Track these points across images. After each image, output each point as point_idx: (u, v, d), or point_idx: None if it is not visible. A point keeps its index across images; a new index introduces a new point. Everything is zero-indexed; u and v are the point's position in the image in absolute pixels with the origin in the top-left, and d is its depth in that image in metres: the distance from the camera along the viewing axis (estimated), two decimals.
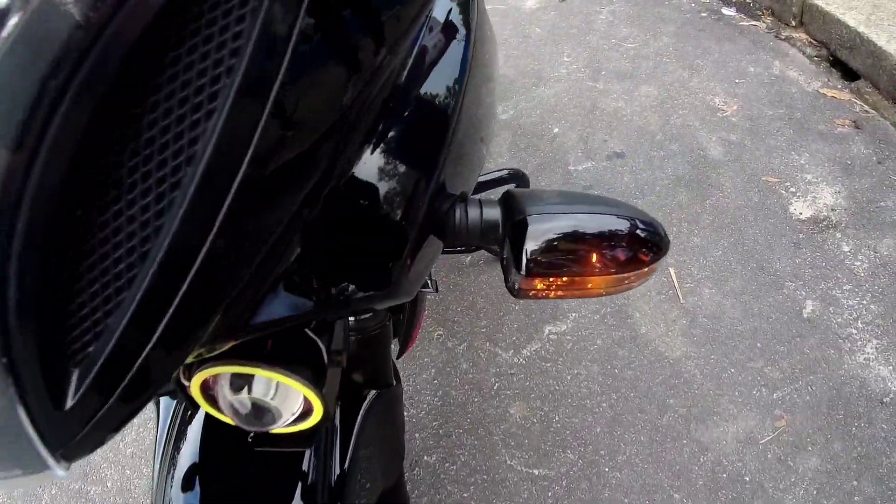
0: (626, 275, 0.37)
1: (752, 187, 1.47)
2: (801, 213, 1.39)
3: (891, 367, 1.07)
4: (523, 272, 0.36)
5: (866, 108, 1.69)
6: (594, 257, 0.36)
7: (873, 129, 1.60)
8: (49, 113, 0.19)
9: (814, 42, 1.96)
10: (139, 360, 0.22)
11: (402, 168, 0.36)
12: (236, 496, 0.47)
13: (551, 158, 1.62)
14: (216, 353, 0.33)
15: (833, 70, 1.87)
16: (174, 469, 0.46)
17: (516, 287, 0.38)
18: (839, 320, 1.16)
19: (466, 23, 0.47)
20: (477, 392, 1.12)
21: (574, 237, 0.36)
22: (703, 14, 2.27)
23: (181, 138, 0.21)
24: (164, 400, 0.56)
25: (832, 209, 1.39)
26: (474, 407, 1.10)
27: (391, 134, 0.35)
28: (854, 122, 1.65)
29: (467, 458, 1.03)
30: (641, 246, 0.37)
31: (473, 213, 0.40)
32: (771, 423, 1.02)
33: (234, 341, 0.32)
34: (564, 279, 0.37)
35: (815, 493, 0.93)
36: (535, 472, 1.00)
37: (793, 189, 1.45)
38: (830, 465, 0.96)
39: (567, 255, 0.36)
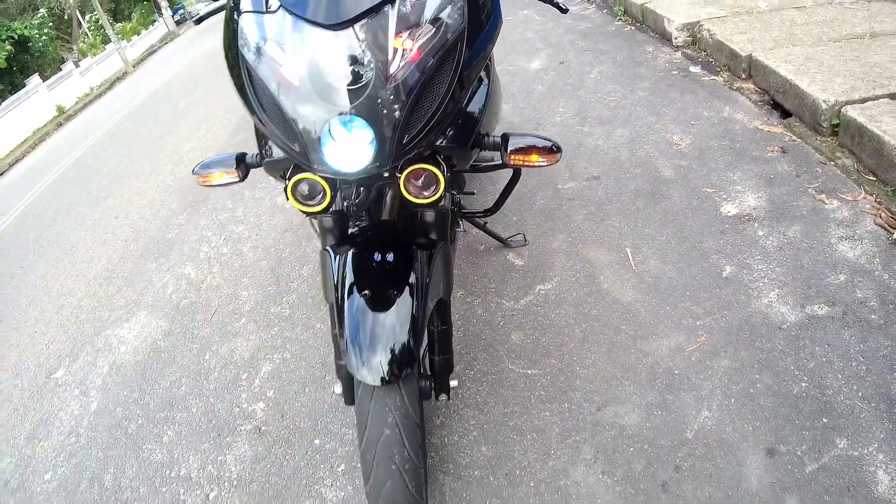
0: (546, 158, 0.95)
1: (694, 196, 1.96)
2: (728, 212, 1.86)
3: (788, 307, 1.51)
4: (508, 153, 0.94)
5: (794, 137, 2.17)
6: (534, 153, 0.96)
7: (797, 153, 2.07)
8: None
9: (758, 90, 2.48)
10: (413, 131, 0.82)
11: (472, 104, 0.96)
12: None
13: (546, 180, 2.17)
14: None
15: (773, 111, 2.38)
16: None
17: (508, 161, 0.96)
18: (750, 278, 1.61)
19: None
20: (488, 327, 1.60)
21: (524, 145, 0.96)
22: (674, 72, 2.84)
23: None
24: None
25: (754, 208, 1.86)
26: (486, 336, 1.58)
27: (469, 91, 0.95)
28: (782, 148, 2.13)
29: (481, 366, 1.51)
30: (552, 150, 0.96)
31: (491, 139, 0.99)
32: (694, 339, 1.46)
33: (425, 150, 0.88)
34: (523, 158, 0.95)
35: (726, 381, 1.36)
36: (529, 371, 1.47)
37: (725, 196, 1.93)
38: (738, 364, 1.39)
39: (518, 150, 0.96)
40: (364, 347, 0.83)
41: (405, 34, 0.79)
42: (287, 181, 0.91)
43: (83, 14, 21.04)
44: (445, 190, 0.91)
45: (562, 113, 2.68)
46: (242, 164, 1.02)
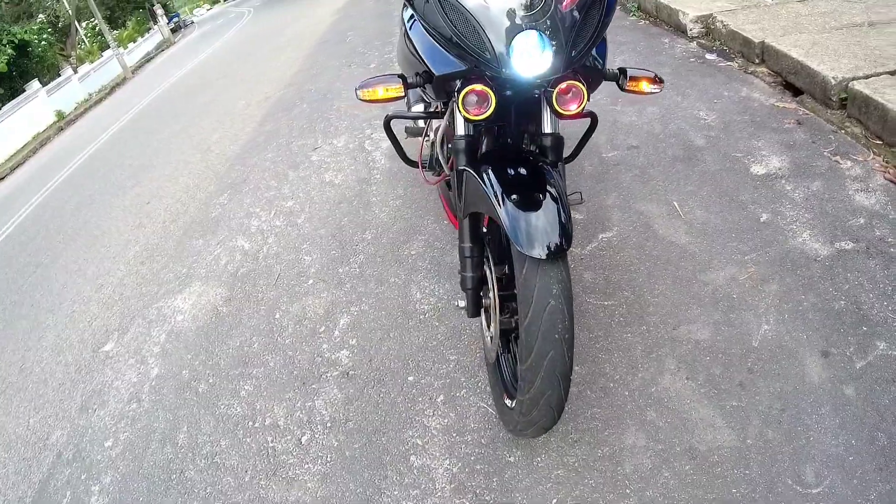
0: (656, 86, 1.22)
1: (726, 160, 2.22)
2: (758, 172, 2.12)
3: (819, 244, 1.78)
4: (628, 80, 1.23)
5: (807, 111, 2.45)
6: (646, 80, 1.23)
7: (811, 124, 2.35)
8: None
9: (771, 73, 2.75)
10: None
11: None
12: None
13: (590, 151, 2.42)
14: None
15: (785, 91, 2.65)
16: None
17: (626, 87, 1.24)
18: (784, 222, 1.87)
19: None
20: None
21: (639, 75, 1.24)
22: (692, 59, 3.11)
23: None
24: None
25: (779, 168, 2.12)
26: None
27: None
28: (797, 120, 2.39)
29: None
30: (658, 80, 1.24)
31: (612, 70, 1.29)
32: (745, 271, 1.72)
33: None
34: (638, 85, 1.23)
35: (778, 301, 1.63)
36: (606, 303, 1.70)
37: (752, 159, 2.20)
38: (785, 288, 1.64)
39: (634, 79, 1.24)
40: (529, 228, 0.96)
41: None
42: (457, 93, 1.09)
43: (79, 21, 20.93)
44: (587, 103, 1.12)
45: (596, 98, 2.91)
46: (404, 82, 1.20)
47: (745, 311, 1.60)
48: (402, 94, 1.19)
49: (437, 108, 1.70)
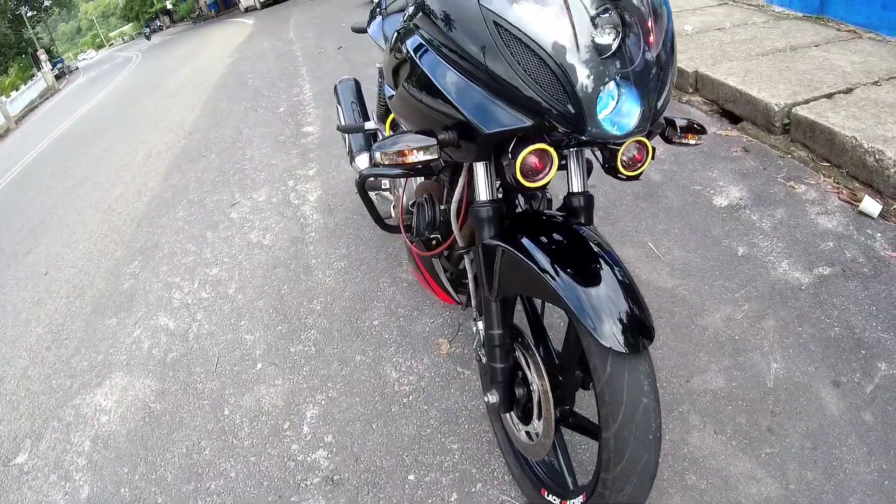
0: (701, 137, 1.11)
1: (687, 194, 2.35)
2: (721, 204, 2.26)
3: (800, 272, 1.88)
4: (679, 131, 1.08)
5: (750, 138, 2.67)
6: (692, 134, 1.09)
7: (757, 151, 2.56)
8: None
9: (707, 101, 2.98)
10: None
11: None
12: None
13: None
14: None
15: (723, 118, 2.87)
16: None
17: (674, 140, 1.11)
18: (761, 254, 1.98)
19: None
20: (549, 329, 1.76)
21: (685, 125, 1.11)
22: None
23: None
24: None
25: (740, 199, 2.28)
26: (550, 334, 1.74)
27: None
28: (744, 147, 2.60)
29: None
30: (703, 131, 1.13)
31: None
32: (739, 309, 1.77)
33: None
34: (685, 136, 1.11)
35: (778, 336, 1.68)
36: None
37: (712, 191, 2.34)
38: (781, 322, 1.73)
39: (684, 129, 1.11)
40: (608, 317, 0.85)
41: None
42: (510, 155, 0.93)
43: None
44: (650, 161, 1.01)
45: None
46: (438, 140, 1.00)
47: (751, 352, 1.65)
48: (438, 154, 1.00)
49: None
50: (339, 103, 2.59)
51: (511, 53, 0.84)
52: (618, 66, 0.83)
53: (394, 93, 1.21)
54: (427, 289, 1.65)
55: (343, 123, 2.43)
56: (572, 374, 1.08)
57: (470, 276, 1.30)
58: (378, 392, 1.75)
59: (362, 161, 2.32)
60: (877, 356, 1.58)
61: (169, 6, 36.19)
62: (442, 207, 1.30)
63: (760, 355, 1.63)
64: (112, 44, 54.69)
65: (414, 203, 1.53)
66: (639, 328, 0.86)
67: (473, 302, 1.32)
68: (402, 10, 1.97)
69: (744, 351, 1.65)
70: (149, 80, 10.97)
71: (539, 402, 1.10)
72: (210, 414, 1.85)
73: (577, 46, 0.82)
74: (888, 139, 2.09)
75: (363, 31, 2.32)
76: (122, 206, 3.99)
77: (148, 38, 25.13)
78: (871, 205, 2.08)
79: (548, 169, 0.94)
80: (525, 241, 0.97)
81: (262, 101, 5.54)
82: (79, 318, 2.66)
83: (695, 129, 1.07)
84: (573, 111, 0.84)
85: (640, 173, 0.99)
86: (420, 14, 1.07)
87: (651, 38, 0.86)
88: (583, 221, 1.04)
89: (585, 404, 1.43)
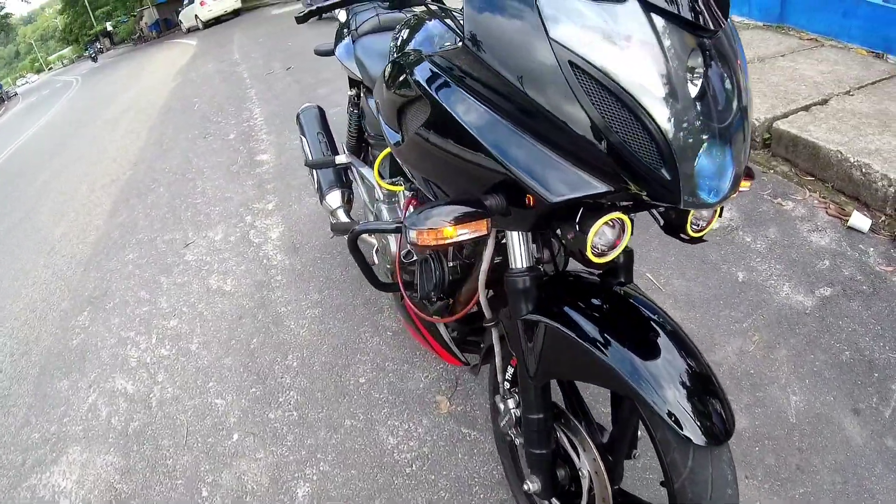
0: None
1: None
2: (713, 226, 2.25)
3: (802, 295, 1.90)
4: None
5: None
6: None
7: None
8: None
9: None
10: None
11: None
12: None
13: None
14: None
15: None
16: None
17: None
18: (761, 278, 2.00)
19: None
20: None
21: None
22: None
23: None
24: None
25: (730, 220, 2.32)
26: None
27: None
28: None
29: None
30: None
31: None
32: (750, 340, 1.76)
33: None
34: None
35: (793, 367, 1.68)
36: None
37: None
38: (794, 351, 1.74)
39: None
40: (688, 407, 0.76)
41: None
42: (577, 226, 0.79)
43: None
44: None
45: None
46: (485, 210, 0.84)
47: (769, 386, 1.64)
48: (487, 230, 0.86)
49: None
50: (303, 135, 2.49)
51: (592, 102, 0.69)
52: (711, 118, 0.70)
53: (399, 137, 1.09)
54: (427, 348, 1.57)
55: (311, 158, 2.33)
56: (623, 452, 1.02)
57: (497, 349, 1.17)
58: (376, 462, 1.63)
59: (333, 199, 2.22)
60: (890, 378, 1.62)
61: (109, 28, 35.51)
62: (450, 265, 1.22)
63: (779, 388, 1.63)
64: (52, 67, 53.78)
65: (409, 257, 1.45)
66: (719, 416, 0.78)
67: (499, 376, 1.20)
68: (376, 30, 1.90)
69: (762, 385, 1.64)
70: (90, 106, 10.59)
71: (590, 487, 1.03)
72: (186, 496, 1.69)
73: (674, 94, 0.68)
74: (872, 151, 2.17)
75: (328, 53, 2.24)
76: (66, 247, 3.74)
77: (94, 59, 24.39)
78: (860, 220, 2.14)
79: (620, 240, 0.82)
80: (573, 314, 0.87)
81: (211, 127, 5.36)
82: (26, 381, 2.43)
83: (750, 173, 0.91)
84: (668, 177, 0.70)
85: (705, 234, 0.90)
86: (447, 43, 0.98)
87: (740, 82, 0.75)
88: (623, 280, 0.96)
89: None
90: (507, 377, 1.19)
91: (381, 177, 1.62)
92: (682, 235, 0.88)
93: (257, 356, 2.16)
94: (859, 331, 1.77)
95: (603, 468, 0.99)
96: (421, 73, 0.94)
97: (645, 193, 0.72)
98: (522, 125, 0.77)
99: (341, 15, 2.09)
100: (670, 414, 0.76)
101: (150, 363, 2.30)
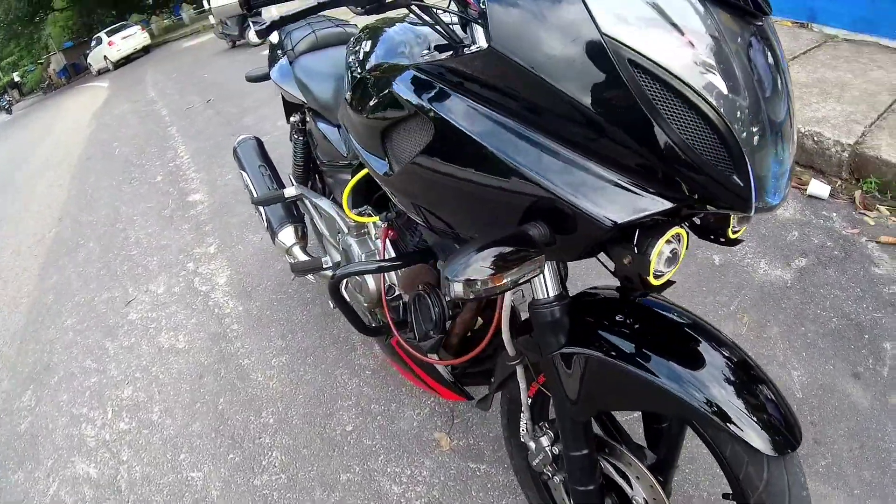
0: None
1: None
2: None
3: (780, 269, 1.91)
4: None
5: None
6: None
7: None
8: None
9: None
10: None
11: None
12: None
13: None
14: None
15: None
16: None
17: None
18: (737, 258, 2.02)
19: None
20: None
21: None
22: None
23: None
24: None
25: None
26: None
27: None
28: None
29: None
30: None
31: None
32: (741, 322, 1.75)
33: None
34: None
35: (787, 342, 1.67)
36: (634, 414, 1.54)
37: None
38: (785, 326, 1.75)
39: None
40: (750, 419, 0.72)
41: None
42: (636, 248, 0.69)
43: None
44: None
45: None
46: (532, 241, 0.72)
47: (770, 365, 1.61)
48: (541, 269, 0.73)
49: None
50: (243, 170, 2.32)
51: (657, 104, 0.60)
52: (772, 113, 0.64)
53: (386, 166, 0.95)
54: (423, 388, 1.45)
55: (256, 194, 2.16)
56: (672, 472, 0.95)
57: (523, 387, 1.04)
58: None
59: (287, 237, 2.06)
60: (879, 337, 1.65)
61: (17, 79, 33.77)
62: (448, 298, 1.12)
63: (779, 366, 1.61)
64: None
65: (392, 293, 1.33)
66: (786, 421, 0.74)
67: (524, 415, 1.08)
68: (314, 48, 1.78)
69: (763, 365, 1.62)
70: (3, 162, 9.83)
71: None
72: None
73: (738, 90, 0.61)
74: (820, 119, 2.23)
75: (263, 78, 2.09)
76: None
77: (9, 111, 22.65)
78: (818, 187, 2.19)
79: (678, 255, 0.72)
80: (612, 339, 0.80)
81: (135, 171, 5.03)
82: None
83: None
84: (740, 182, 0.62)
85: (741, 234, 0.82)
86: (441, 52, 0.85)
87: (786, 71, 0.68)
88: (644, 291, 0.87)
89: None
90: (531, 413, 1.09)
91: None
92: (720, 240, 0.79)
93: (228, 418, 1.97)
94: (841, 296, 1.79)
95: (662, 493, 0.91)
96: (414, 87, 0.81)
97: (713, 202, 0.64)
98: (564, 140, 0.66)
99: (273, 36, 1.95)
100: (739, 429, 0.71)
101: (111, 441, 2.05)
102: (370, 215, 1.39)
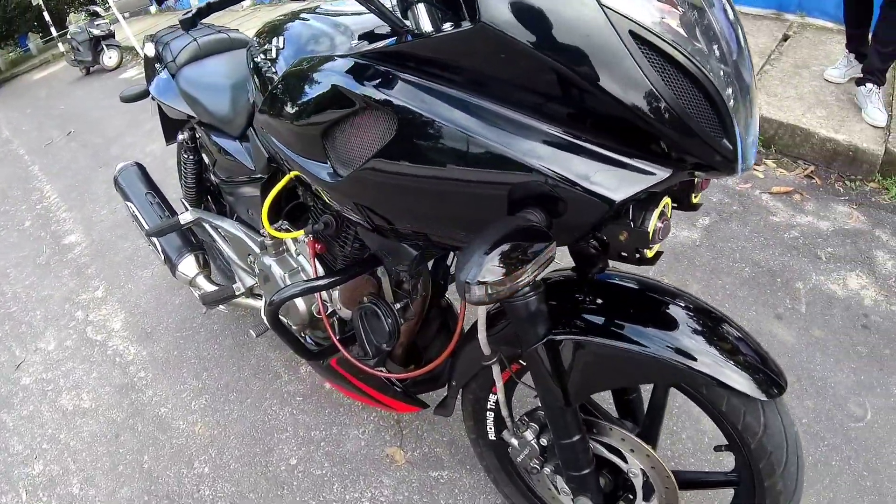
0: None
1: None
2: None
3: (686, 231, 1.97)
4: None
5: None
6: None
7: None
8: None
9: None
10: None
11: None
12: None
13: None
14: None
15: None
16: None
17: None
18: None
19: None
20: None
21: None
22: None
23: None
24: None
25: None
26: None
27: None
28: None
29: None
30: None
31: None
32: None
33: None
34: None
35: (707, 296, 1.69)
36: None
37: None
38: (703, 282, 1.82)
39: None
40: (738, 370, 0.76)
41: None
42: (630, 223, 0.69)
43: None
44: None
45: None
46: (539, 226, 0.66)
47: None
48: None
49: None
50: (128, 200, 2.10)
51: (658, 74, 0.59)
52: (743, 77, 0.65)
53: (329, 170, 0.86)
54: (371, 404, 1.36)
55: (147, 225, 1.96)
56: (658, 438, 0.99)
57: (500, 386, 0.98)
58: None
59: (188, 267, 1.89)
60: (790, 279, 1.80)
61: None
62: (398, 307, 1.05)
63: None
64: None
65: (328, 312, 1.23)
66: (771, 368, 0.80)
67: (504, 411, 1.03)
68: (197, 57, 1.62)
69: None
70: None
71: (644, 483, 0.96)
72: None
73: (724, 57, 0.63)
74: None
75: (140, 96, 1.89)
76: None
77: None
78: None
79: (668, 227, 0.71)
80: (593, 319, 0.80)
81: None
82: None
83: None
84: (730, 145, 0.63)
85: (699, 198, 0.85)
86: (388, 39, 0.76)
87: (744, 33, 0.69)
88: (601, 266, 0.88)
89: None
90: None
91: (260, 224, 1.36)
92: (683, 204, 0.80)
93: (157, 476, 1.77)
94: (748, 246, 1.93)
95: (661, 460, 0.92)
96: (362, 79, 0.74)
97: (703, 167, 0.64)
98: (555, 119, 0.64)
99: (148, 48, 1.77)
100: (734, 382, 0.75)
101: None
102: (287, 230, 1.29)
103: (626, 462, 0.96)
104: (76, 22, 9.48)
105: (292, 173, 1.03)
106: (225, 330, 2.26)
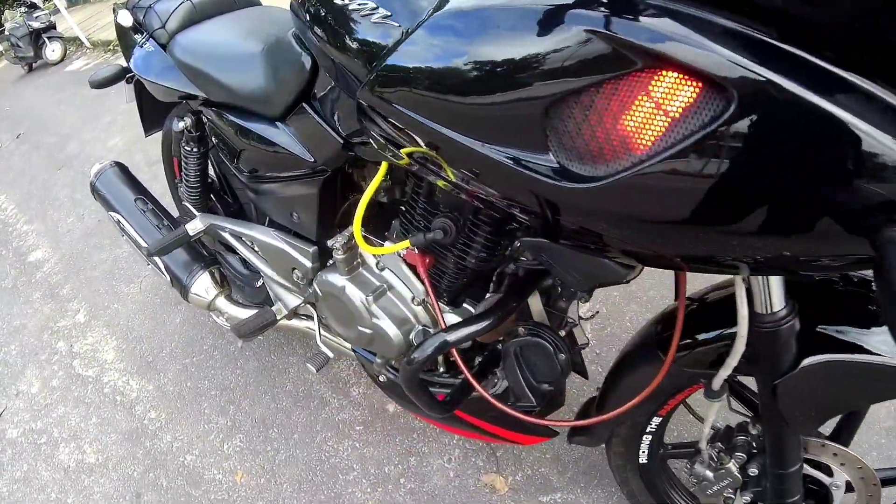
0: None
1: None
2: None
3: None
4: None
5: None
6: None
7: None
8: None
9: None
10: None
11: None
12: None
13: None
14: None
15: None
16: None
17: None
18: None
19: None
20: None
21: None
22: None
23: None
24: None
25: None
26: None
27: None
28: None
29: None
30: None
31: None
32: None
33: None
34: None
35: None
36: None
37: None
38: None
39: None
40: None
41: None
42: None
43: None
44: None
45: None
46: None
47: None
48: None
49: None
50: (113, 211, 1.72)
51: None
52: None
53: (571, 172, 0.52)
54: (496, 442, 1.12)
55: (146, 243, 1.60)
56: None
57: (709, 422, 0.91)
58: None
59: (204, 287, 1.53)
60: None
61: None
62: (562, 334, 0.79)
63: None
64: None
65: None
66: None
67: (703, 443, 0.94)
68: (193, 20, 1.26)
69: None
70: None
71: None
72: None
73: None
74: None
75: (115, 78, 1.50)
76: None
77: None
78: None
79: None
80: (836, 334, 0.69)
81: None
82: None
83: None
84: None
85: None
86: None
87: None
88: None
89: None
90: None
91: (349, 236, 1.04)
92: None
93: None
94: None
95: (871, 469, 0.85)
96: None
97: None
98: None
99: (122, 17, 1.38)
100: None
101: None
102: (366, 239, 0.97)
103: (830, 476, 0.91)
104: (13, 18, 8.78)
105: (384, 164, 0.78)
106: (245, 350, 1.95)
